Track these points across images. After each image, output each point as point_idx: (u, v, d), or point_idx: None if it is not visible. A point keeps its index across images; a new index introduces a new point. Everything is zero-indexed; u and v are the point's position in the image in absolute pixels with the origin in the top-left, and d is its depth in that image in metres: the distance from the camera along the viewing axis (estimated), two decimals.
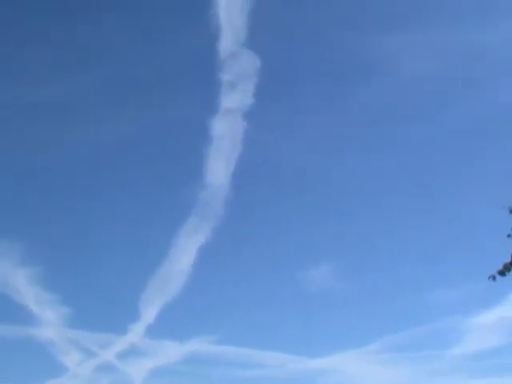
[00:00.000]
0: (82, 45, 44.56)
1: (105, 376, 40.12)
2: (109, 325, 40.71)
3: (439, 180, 42.96)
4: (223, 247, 42.08)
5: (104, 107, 44.63)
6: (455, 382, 38.17)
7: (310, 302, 42.00)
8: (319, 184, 44.40)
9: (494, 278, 14.45)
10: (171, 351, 40.56)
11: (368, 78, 43.72)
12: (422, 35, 41.78)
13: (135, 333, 39.86)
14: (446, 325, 39.83)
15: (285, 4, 43.67)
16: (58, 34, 44.56)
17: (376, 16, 43.13)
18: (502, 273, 14.36)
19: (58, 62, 44.89)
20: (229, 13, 40.12)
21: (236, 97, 40.69)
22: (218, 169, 41.02)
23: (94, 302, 42.11)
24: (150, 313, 39.68)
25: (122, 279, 42.21)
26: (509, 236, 14.37)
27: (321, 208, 43.78)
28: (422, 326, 39.91)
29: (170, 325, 40.39)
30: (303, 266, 42.07)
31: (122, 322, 40.21)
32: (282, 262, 42.45)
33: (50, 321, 40.19)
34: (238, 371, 40.24)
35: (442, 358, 39.17)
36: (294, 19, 42.94)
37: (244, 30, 39.88)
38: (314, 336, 41.56)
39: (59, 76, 44.33)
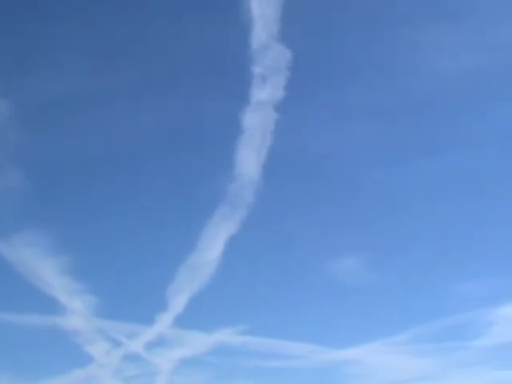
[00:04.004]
0: (116, 33, 44.60)
1: (132, 366, 40.47)
2: (137, 315, 40.97)
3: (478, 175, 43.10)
4: (252, 238, 42.17)
5: (136, 99, 44.64)
6: (481, 373, 38.59)
7: (338, 293, 42.36)
8: (349, 176, 44.60)
9: None
10: (199, 342, 40.91)
11: (403, 74, 43.92)
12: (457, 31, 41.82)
13: (163, 323, 40.17)
14: (472, 316, 40.39)
15: None
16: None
17: (410, 11, 43.19)
18: None
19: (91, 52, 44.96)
20: (261, 5, 40.37)
21: (267, 89, 40.95)
22: (249, 160, 41.25)
23: (122, 291, 42.29)
24: (178, 303, 39.95)
25: (150, 269, 42.20)
26: None
27: (350, 199, 43.99)
28: (448, 318, 40.45)
29: (197, 315, 40.57)
30: (331, 257, 42.45)
31: (149, 312, 40.46)
32: (310, 252, 42.64)
33: (77, 310, 40.34)
34: (264, 362, 40.60)
35: (468, 350, 39.71)
36: (327, 13, 43.08)
37: (276, 23, 40.10)
38: (340, 327, 41.89)
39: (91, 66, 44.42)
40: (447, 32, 42.53)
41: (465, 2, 42.96)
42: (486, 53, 42.94)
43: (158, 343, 40.66)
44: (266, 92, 40.93)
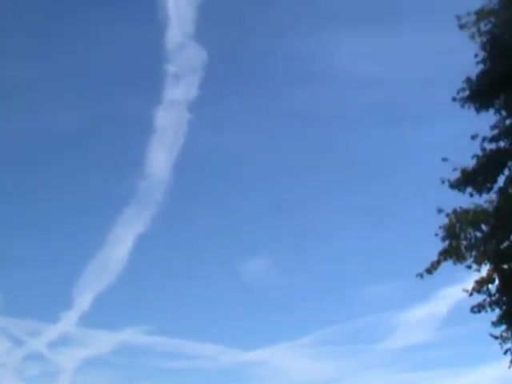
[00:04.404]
0: (32, 34, 44.12)
1: (34, 365, 39.66)
2: (40, 313, 40.35)
3: (373, 179, 43.75)
4: (161, 237, 42.11)
5: (47, 97, 44.32)
6: (387, 376, 39.05)
7: (245, 294, 42.63)
8: (258, 177, 44.91)
9: (421, 276, 15.13)
10: (104, 341, 40.36)
11: (309, 78, 44.37)
12: (363, 36, 42.41)
13: (67, 321, 39.35)
14: (378, 320, 40.94)
15: None
16: None
17: (324, 15, 43.65)
18: (428, 271, 15.04)
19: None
20: (177, 5, 40.28)
21: (181, 89, 40.89)
22: (160, 159, 41.13)
23: (25, 288, 41.49)
24: (83, 301, 38.99)
25: (56, 266, 41.97)
26: (436, 235, 15.10)
27: (260, 202, 44.23)
28: (354, 321, 40.83)
29: (103, 314, 39.90)
30: (239, 258, 42.56)
31: (54, 310, 39.87)
32: (218, 252, 42.69)
33: None
34: (170, 362, 40.46)
35: (374, 352, 40.14)
36: (241, 14, 43.29)
37: (191, 23, 40.06)
38: (249, 328, 42.22)
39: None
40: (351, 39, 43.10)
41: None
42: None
43: (62, 342, 40.13)
44: (179, 91, 40.85)
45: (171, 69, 40.30)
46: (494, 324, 14.85)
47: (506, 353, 14.82)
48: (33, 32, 44.04)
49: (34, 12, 43.85)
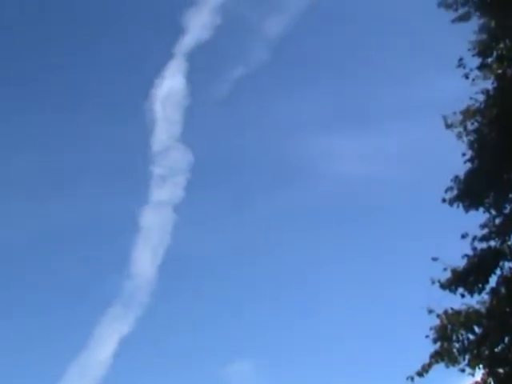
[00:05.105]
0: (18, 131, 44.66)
1: None
2: None
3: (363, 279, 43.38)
4: (146, 338, 41.44)
5: (33, 195, 44.51)
6: None
7: None
8: (244, 279, 44.58)
9: (412, 379, 14.54)
10: None
11: (293, 178, 44.79)
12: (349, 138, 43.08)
13: None
14: None
15: (217, 103, 44.85)
16: None
17: (308, 117, 44.45)
18: (420, 374, 14.48)
19: None
20: (164, 107, 40.98)
21: (167, 190, 41.03)
22: (145, 259, 40.82)
23: None
24: None
25: (38, 367, 40.88)
26: (427, 337, 14.62)
27: (245, 304, 43.80)
28: None
29: None
30: (225, 361, 41.53)
31: None
32: (203, 356, 41.85)
33: None
34: None
35: None
36: (226, 117, 44.15)
37: (178, 125, 40.67)
38: None
39: None
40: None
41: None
42: None
43: None
44: (165, 192, 40.98)
45: (157, 170, 40.70)
46: None
47: None
48: (17, 126, 44.46)
49: (19, 104, 44.47)
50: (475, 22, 15.29)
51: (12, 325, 42.64)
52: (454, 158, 15.24)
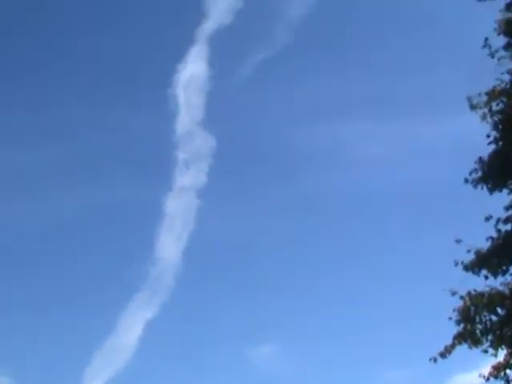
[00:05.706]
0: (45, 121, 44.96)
1: None
2: None
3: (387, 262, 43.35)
4: (171, 323, 41.62)
5: (59, 182, 44.91)
6: None
7: (255, 380, 41.72)
8: (269, 263, 44.60)
9: (435, 360, 14.54)
10: None
11: (319, 164, 44.67)
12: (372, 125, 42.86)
13: None
14: None
15: (239, 88, 44.79)
16: None
17: (331, 103, 44.25)
18: (443, 355, 14.46)
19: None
20: (186, 93, 41.09)
21: (190, 175, 41.16)
22: (170, 245, 41.11)
23: (35, 374, 40.97)
24: None
25: (66, 352, 41.37)
26: (450, 319, 14.58)
27: (271, 287, 43.81)
28: None
29: None
30: (250, 344, 41.90)
31: None
32: (228, 338, 42.11)
33: None
34: None
35: None
36: (248, 102, 44.08)
37: (200, 110, 40.75)
38: None
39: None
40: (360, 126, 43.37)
41: None
42: None
43: None
44: (188, 178, 41.12)
45: (181, 156, 40.84)
46: None
47: None
48: (44, 116, 44.77)
49: (45, 94, 44.77)
50: (502, 0, 15.08)
51: (41, 311, 43.14)
52: (479, 142, 15.15)
